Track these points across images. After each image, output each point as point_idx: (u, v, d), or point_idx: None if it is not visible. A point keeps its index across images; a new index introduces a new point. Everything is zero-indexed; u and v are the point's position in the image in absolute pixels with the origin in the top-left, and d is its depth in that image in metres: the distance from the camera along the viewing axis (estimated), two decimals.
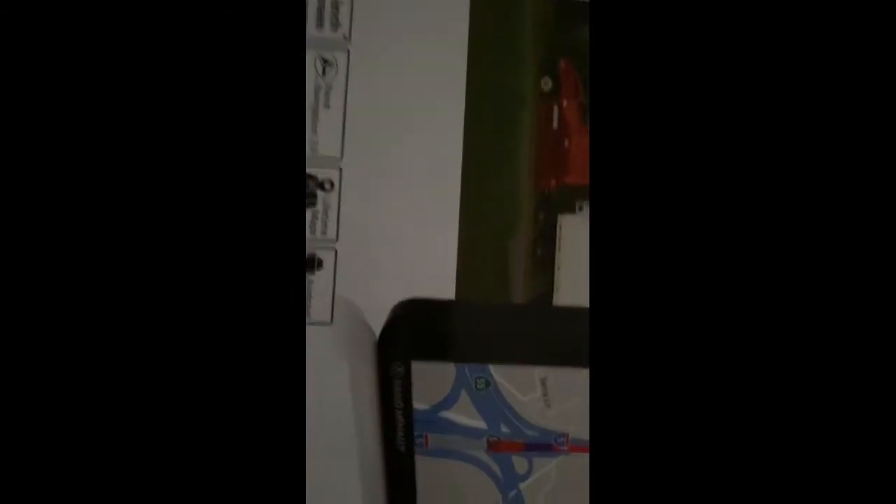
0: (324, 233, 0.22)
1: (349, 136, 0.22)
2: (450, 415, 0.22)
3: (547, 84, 0.22)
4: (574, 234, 0.22)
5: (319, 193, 0.22)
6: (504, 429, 0.22)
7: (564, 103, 0.22)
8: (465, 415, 0.22)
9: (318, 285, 0.22)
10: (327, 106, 0.22)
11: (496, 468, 0.22)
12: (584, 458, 0.22)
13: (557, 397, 0.21)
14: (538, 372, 0.21)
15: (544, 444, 0.22)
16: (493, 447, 0.22)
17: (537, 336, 0.21)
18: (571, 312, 0.22)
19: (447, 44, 0.22)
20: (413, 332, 0.21)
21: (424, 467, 0.22)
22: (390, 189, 0.22)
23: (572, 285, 0.22)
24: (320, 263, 0.22)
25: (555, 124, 0.22)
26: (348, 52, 0.22)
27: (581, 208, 0.22)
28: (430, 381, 0.21)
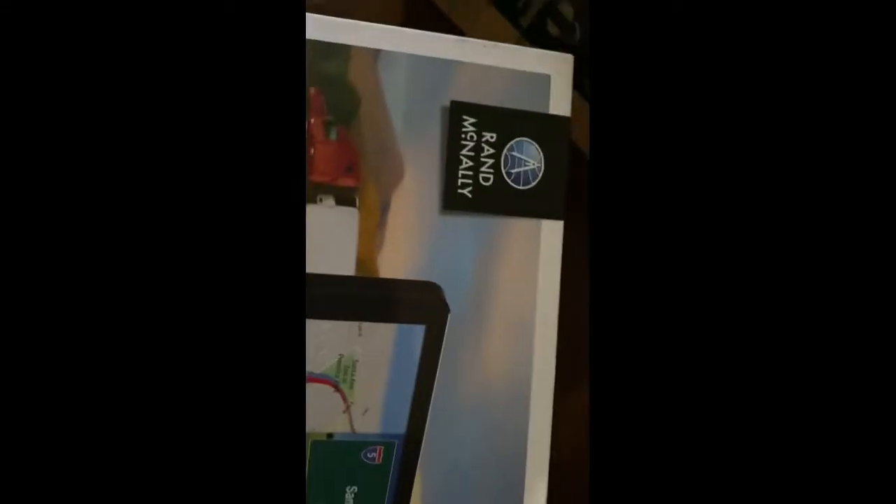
0: None
1: None
2: None
3: None
4: (314, 219, 0.28)
5: None
6: None
7: (311, 120, 0.27)
8: None
9: None
10: None
11: None
12: (317, 387, 0.29)
13: None
14: None
15: None
16: None
17: None
18: (309, 276, 0.28)
19: None
20: None
21: None
22: None
23: (312, 257, 0.28)
24: None
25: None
26: None
27: (321, 200, 0.29)
28: None
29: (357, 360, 0.28)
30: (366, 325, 0.28)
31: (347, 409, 0.28)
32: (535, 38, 0.36)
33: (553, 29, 0.35)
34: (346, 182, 0.28)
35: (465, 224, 0.29)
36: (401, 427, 0.29)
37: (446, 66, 0.28)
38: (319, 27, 0.27)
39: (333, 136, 0.28)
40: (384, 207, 0.28)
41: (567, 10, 0.34)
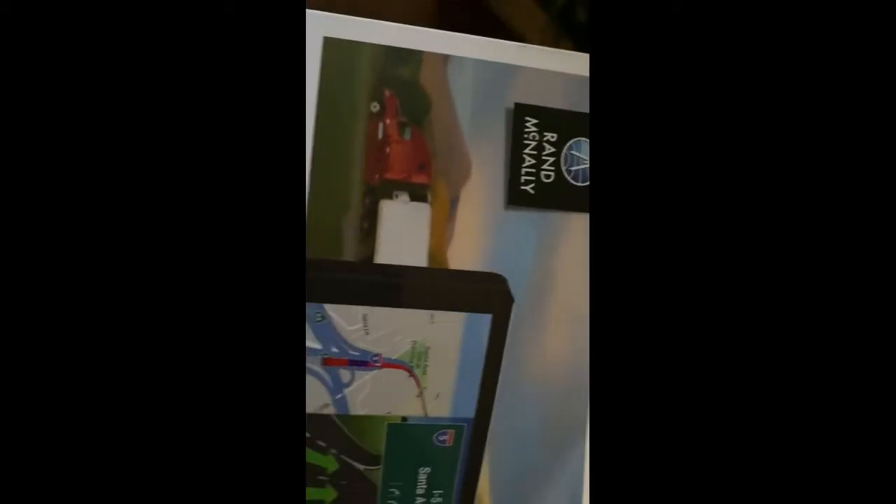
0: None
1: None
2: None
3: (375, 107, 0.29)
4: (391, 213, 0.30)
5: None
6: (334, 349, 0.28)
7: (387, 121, 0.29)
8: (306, 339, 0.28)
9: None
10: None
11: (328, 377, 0.28)
12: (392, 372, 0.30)
13: (374, 328, 0.29)
14: (360, 309, 0.29)
15: (363, 361, 0.29)
16: (326, 362, 0.28)
17: (361, 284, 0.29)
18: (385, 267, 0.29)
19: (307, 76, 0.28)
20: None
21: None
22: None
23: (388, 250, 0.30)
24: None
25: (380, 136, 0.29)
26: None
27: (397, 196, 0.30)
28: None
29: (429, 347, 0.29)
30: (437, 313, 0.29)
31: (421, 394, 0.30)
32: (563, 23, 0.37)
33: (582, 15, 0.36)
34: (419, 179, 0.29)
35: (528, 218, 0.31)
36: (470, 411, 0.30)
37: (510, 71, 0.30)
38: (393, 34, 0.29)
39: (407, 136, 0.29)
40: (453, 203, 0.30)
41: None
